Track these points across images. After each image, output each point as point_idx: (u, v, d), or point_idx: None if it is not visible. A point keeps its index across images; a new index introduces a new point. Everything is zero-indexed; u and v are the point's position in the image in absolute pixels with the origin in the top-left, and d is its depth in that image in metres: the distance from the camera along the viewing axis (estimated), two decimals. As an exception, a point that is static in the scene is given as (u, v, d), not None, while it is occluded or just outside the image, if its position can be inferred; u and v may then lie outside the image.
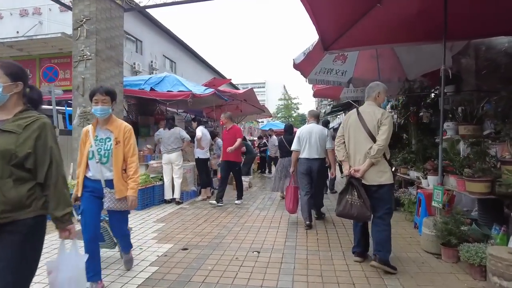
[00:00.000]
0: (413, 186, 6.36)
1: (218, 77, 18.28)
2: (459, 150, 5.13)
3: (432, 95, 7.69)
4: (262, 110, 14.41)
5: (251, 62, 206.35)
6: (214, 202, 6.96)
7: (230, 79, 12.76)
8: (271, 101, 70.08)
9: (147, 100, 9.20)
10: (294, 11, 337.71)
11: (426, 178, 5.24)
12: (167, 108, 11.00)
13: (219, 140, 9.36)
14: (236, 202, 7.26)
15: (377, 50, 7.06)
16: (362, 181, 3.47)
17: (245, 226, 5.36)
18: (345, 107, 26.82)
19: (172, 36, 23.85)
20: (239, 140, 6.95)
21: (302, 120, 68.75)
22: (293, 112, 55.21)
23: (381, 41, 5.42)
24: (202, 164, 7.70)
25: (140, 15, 20.06)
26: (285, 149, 6.71)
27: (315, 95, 9.94)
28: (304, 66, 6.78)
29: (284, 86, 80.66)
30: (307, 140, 5.24)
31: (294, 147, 5.39)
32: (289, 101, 54.70)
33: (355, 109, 3.76)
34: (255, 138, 17.48)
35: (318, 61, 7.20)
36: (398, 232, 4.89)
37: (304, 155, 5.25)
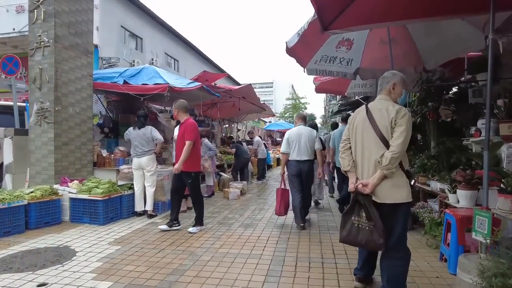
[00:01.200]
0: (434, 199, 5.01)
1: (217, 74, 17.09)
2: (500, 156, 3.79)
3: (454, 89, 6.35)
4: (262, 109, 13.12)
5: (259, 62, 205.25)
6: (165, 226, 5.12)
7: (226, 74, 11.41)
8: (279, 100, 68.85)
9: (131, 96, 8.01)
10: (303, 10, 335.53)
11: (454, 192, 3.93)
12: (154, 105, 9.82)
13: (206, 141, 8.11)
14: (190, 230, 5.02)
15: (390, 34, 5.74)
16: (372, 198, 2.65)
17: (218, 254, 4.10)
18: (354, 106, 25.44)
19: (175, 33, 22.80)
20: (188, 144, 4.87)
21: (310, 120, 67.34)
22: (301, 112, 53.66)
23: (395, 16, 4.06)
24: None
25: (140, 11, 19.09)
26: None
27: (317, 91, 8.65)
28: (301, 51, 5.50)
29: (292, 86, 79.17)
30: (297, 143, 5.20)
31: (283, 149, 5.33)
32: (297, 101, 53.24)
33: (363, 106, 2.88)
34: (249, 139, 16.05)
35: (317, 47, 5.91)
36: (417, 265, 3.60)
37: (294, 157, 5.21)
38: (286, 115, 52.02)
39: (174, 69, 21.80)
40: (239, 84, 18.62)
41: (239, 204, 7.24)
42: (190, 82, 7.55)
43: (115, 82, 6.77)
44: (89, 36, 6.63)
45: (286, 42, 5.06)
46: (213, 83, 10.91)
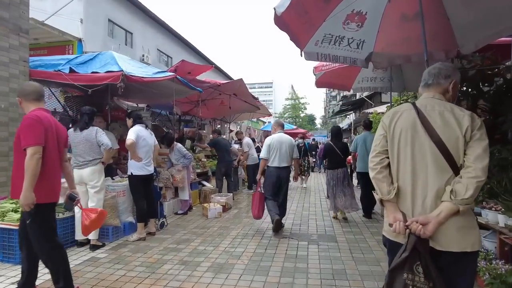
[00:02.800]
0: (486, 235, 3.39)
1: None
2: None
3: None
4: (256, 107, 11.49)
5: (258, 62, 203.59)
6: None
7: (212, 66, 9.75)
8: (278, 101, 67.28)
9: (99, 90, 6.42)
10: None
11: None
12: (126, 101, 8.23)
13: (179, 146, 6.50)
14: None
15: (420, 4, 4.12)
16: (430, 244, 1.72)
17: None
18: (357, 106, 23.89)
19: (169, 29, 21.24)
20: (29, 155, 2.57)
21: (310, 120, 66.15)
22: (300, 112, 52.20)
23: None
24: (137, 184, 4.84)
25: (130, 4, 17.60)
26: (335, 158, 6.04)
27: (318, 85, 7.05)
28: (295, 24, 3.93)
29: (292, 86, 77.48)
30: (278, 149, 5.20)
31: (263, 155, 5.29)
32: (297, 101, 51.66)
33: (408, 105, 1.92)
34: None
35: (319, 21, 4.33)
36: None
37: (274, 163, 5.22)
38: (285, 116, 50.49)
39: (167, 67, 20.25)
40: (231, 79, 16.85)
41: (219, 226, 5.61)
42: (159, 72, 5.94)
43: (59, 70, 5.15)
44: (22, 9, 5.03)
45: (274, 8, 3.43)
46: (197, 77, 9.31)
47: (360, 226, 5.56)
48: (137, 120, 4.94)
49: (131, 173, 4.80)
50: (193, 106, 10.54)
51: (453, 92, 1.94)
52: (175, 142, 6.66)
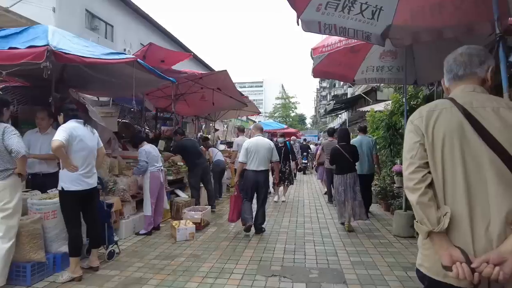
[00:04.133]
0: None
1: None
2: None
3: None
4: (243, 104, 10.13)
5: (248, 60, 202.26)
6: None
7: (191, 54, 8.34)
8: (269, 100, 66.10)
9: (47, 80, 4.99)
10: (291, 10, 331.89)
11: None
12: (86, 95, 6.79)
13: (143, 149, 5.12)
14: None
15: None
16: None
17: None
18: (349, 104, 22.76)
19: (153, 23, 19.76)
20: None
21: (301, 120, 65.20)
22: (291, 111, 51.08)
23: None
24: (71, 203, 3.44)
25: (111, -4, 16.16)
26: (343, 162, 5.53)
27: (315, 74, 5.77)
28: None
29: (282, 85, 76.32)
30: (256, 153, 5.12)
31: (241, 159, 5.20)
32: (287, 100, 50.51)
33: (444, 102, 1.51)
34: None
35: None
36: None
37: (251, 167, 5.13)
38: (276, 115, 49.31)
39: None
40: (210, 69, 15.10)
41: (188, 254, 4.25)
42: (114, 53, 4.53)
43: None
44: None
45: None
46: (174, 67, 7.92)
47: (370, 252, 4.27)
48: (70, 114, 3.53)
49: (62, 187, 3.39)
50: (170, 100, 9.14)
51: (491, 82, 1.56)
52: (145, 143, 5.27)
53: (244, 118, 29.22)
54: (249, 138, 7.08)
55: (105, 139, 6.64)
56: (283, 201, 7.90)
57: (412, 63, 6.11)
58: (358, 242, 4.69)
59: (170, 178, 6.33)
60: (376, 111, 11.44)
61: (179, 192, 6.57)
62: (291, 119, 50.27)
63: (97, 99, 7.24)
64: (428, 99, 7.30)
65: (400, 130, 8.45)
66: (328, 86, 57.37)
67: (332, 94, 41.95)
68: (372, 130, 10.77)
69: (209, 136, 12.40)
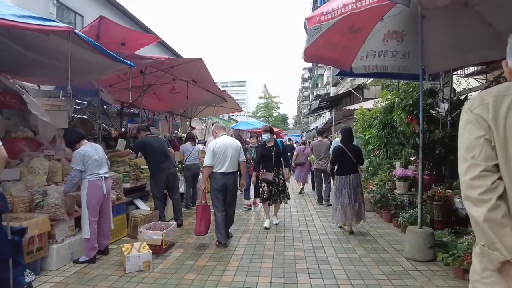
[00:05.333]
0: None
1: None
2: None
3: None
4: (222, 98, 8.92)
5: (231, 60, 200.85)
6: None
7: (158, 38, 7.04)
8: (251, 99, 65.08)
9: None
10: (274, 9, 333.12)
11: None
12: (22, 81, 5.42)
13: (85, 148, 3.84)
14: None
15: None
16: None
17: None
18: (335, 103, 21.85)
19: (129, 15, 18.11)
20: None
21: (283, 120, 64.31)
22: (273, 111, 50.14)
23: None
24: None
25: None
26: (347, 162, 5.18)
27: (307, 57, 4.65)
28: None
29: (265, 85, 75.41)
30: (223, 154, 4.60)
31: (207, 162, 4.58)
32: (270, 100, 49.55)
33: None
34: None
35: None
36: None
37: (219, 169, 4.59)
38: (258, 115, 48.23)
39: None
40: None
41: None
42: (36, 17, 3.24)
43: None
44: None
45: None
46: (137, 52, 6.64)
47: (384, 286, 3.17)
48: None
49: None
50: (138, 95, 7.84)
51: None
52: (84, 142, 3.97)
53: (226, 117, 28.03)
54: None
55: (48, 136, 5.33)
56: (276, 223, 5.60)
57: (420, 47, 5.10)
58: (365, 270, 3.58)
59: (127, 186, 5.06)
60: (365, 110, 10.52)
61: (139, 203, 5.29)
62: (273, 119, 49.35)
63: (37, 87, 5.86)
64: (430, 93, 6.33)
65: (397, 128, 7.49)
66: (310, 87, 56.80)
67: (315, 94, 41.24)
68: (363, 129, 9.80)
69: (183, 136, 11.16)
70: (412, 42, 4.97)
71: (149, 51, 7.52)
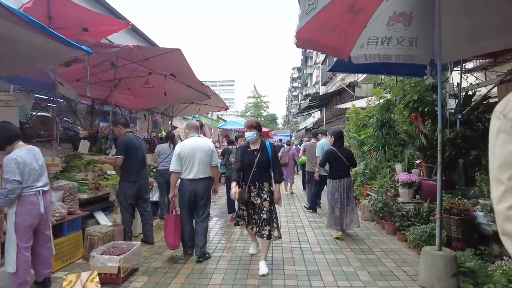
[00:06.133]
0: None
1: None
2: None
3: None
4: (204, 95, 8.05)
5: (220, 59, 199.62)
6: None
7: (129, 25, 6.15)
8: (240, 99, 64.17)
9: None
10: (263, 8, 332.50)
11: None
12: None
13: (20, 154, 2.94)
14: None
15: None
16: None
17: None
18: (325, 102, 21.16)
19: (111, 9, 17.01)
20: None
21: (273, 120, 63.49)
22: (262, 111, 49.38)
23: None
24: None
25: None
26: (340, 166, 5.01)
27: (299, 42, 3.82)
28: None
29: (254, 85, 74.68)
30: (191, 158, 4.05)
31: (173, 167, 4.09)
32: (259, 99, 48.76)
33: None
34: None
35: None
36: None
37: (187, 175, 4.06)
38: (247, 114, 47.37)
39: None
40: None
41: None
42: None
43: None
44: None
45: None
46: (104, 40, 5.76)
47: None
48: None
49: None
50: (107, 90, 6.92)
51: None
52: (20, 144, 3.06)
53: (215, 116, 27.08)
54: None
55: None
56: (262, 274, 3.54)
57: (429, 34, 4.37)
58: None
59: (84, 196, 4.17)
60: (359, 108, 9.82)
61: (100, 216, 4.39)
62: (263, 119, 48.62)
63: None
64: (433, 88, 5.63)
65: (396, 127, 6.77)
66: (299, 86, 56.16)
67: (304, 93, 40.60)
68: (357, 128, 9.08)
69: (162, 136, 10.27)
70: (421, 26, 4.24)
71: (122, 41, 6.61)
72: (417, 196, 5.15)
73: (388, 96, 9.37)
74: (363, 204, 6.05)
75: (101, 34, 5.63)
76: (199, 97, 8.26)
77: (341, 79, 22.02)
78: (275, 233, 3.59)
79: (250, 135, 3.82)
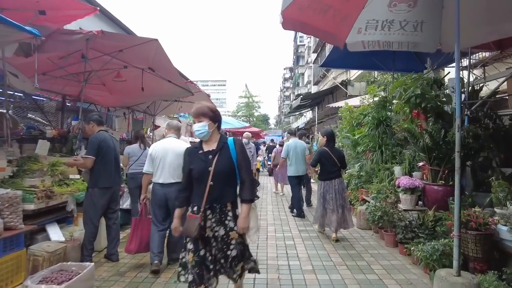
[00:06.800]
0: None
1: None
2: None
3: None
4: (187, 91, 7.34)
5: (212, 59, 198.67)
6: None
7: (97, 9, 5.43)
8: (232, 99, 63.49)
9: None
10: (255, 8, 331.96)
11: None
12: None
13: None
14: None
15: None
16: None
17: None
18: (317, 101, 20.57)
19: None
20: None
21: (265, 120, 62.83)
22: (254, 111, 48.79)
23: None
24: None
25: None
26: (332, 166, 4.90)
27: (285, 23, 3.17)
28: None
29: (246, 85, 74.09)
30: (161, 160, 3.68)
31: (145, 168, 3.82)
32: (250, 99, 48.14)
33: None
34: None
35: None
36: None
37: (157, 179, 3.69)
38: (239, 114, 46.72)
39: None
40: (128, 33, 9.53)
41: None
42: None
43: None
44: None
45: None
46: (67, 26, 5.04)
47: None
48: None
49: None
50: (77, 85, 6.18)
51: None
52: None
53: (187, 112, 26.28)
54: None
55: None
56: None
57: (437, 17, 3.77)
58: None
59: (31, 207, 3.46)
60: (354, 107, 9.26)
61: (52, 230, 3.68)
62: (254, 119, 48.02)
63: None
64: (435, 83, 5.06)
65: (393, 126, 6.19)
66: (291, 86, 55.70)
67: (296, 93, 40.12)
68: (350, 127, 8.50)
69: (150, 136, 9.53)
70: (428, 7, 3.65)
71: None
72: (419, 203, 4.57)
73: (383, 93, 8.85)
74: (359, 211, 5.44)
75: (64, 19, 4.89)
76: (181, 93, 7.56)
77: (333, 78, 21.50)
78: (251, 265, 2.56)
79: (199, 127, 2.48)
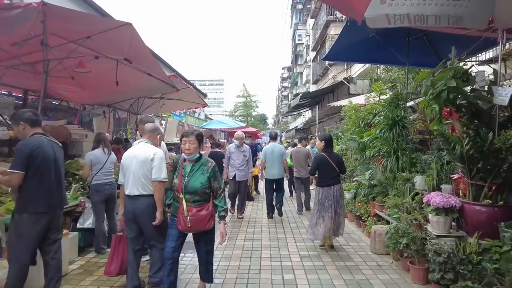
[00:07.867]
0: None
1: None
2: None
3: None
4: (170, 85, 6.30)
5: (209, 59, 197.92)
6: None
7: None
8: (230, 98, 62.65)
9: None
10: (253, 8, 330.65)
11: None
12: None
13: None
14: None
15: None
16: None
17: None
18: (316, 100, 19.55)
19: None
20: None
21: (263, 120, 61.84)
22: (252, 110, 47.89)
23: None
24: None
25: None
26: (330, 172, 4.70)
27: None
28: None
29: (244, 84, 73.27)
30: (127, 169, 3.20)
31: (119, 179, 3.37)
32: (248, 99, 47.22)
33: None
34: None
35: None
36: None
37: (125, 190, 3.22)
38: (236, 113, 45.78)
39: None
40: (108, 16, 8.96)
41: None
42: None
43: None
44: None
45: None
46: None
47: None
48: None
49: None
50: (55, 80, 5.16)
51: None
52: None
53: (202, 115, 25.25)
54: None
55: None
56: None
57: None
58: None
59: None
60: (361, 106, 8.28)
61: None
62: (252, 118, 47.10)
63: None
64: (463, 76, 4.04)
65: (409, 128, 5.19)
66: (289, 86, 54.71)
67: (294, 93, 39.15)
68: (355, 129, 7.51)
69: (132, 137, 8.51)
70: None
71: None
72: (453, 224, 3.57)
73: (388, 91, 7.89)
74: (373, 231, 4.42)
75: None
76: (164, 89, 6.53)
77: (333, 76, 20.50)
78: None
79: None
